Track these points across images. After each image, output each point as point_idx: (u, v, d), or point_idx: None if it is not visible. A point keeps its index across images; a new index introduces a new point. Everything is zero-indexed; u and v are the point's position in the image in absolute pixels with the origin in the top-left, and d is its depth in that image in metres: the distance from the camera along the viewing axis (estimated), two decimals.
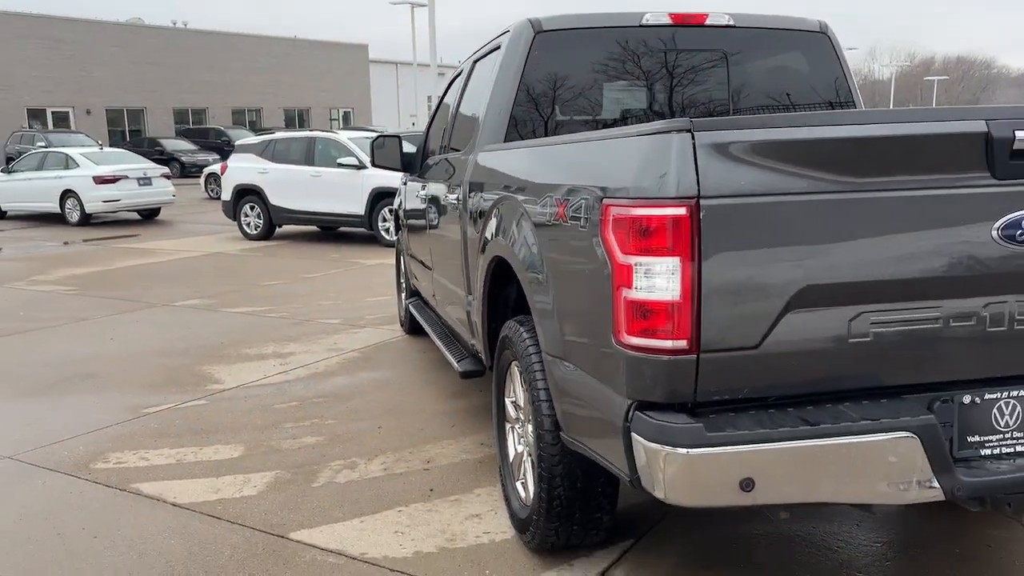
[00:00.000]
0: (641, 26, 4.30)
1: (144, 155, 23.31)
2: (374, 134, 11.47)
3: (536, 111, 4.17)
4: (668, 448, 2.21)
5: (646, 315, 2.26)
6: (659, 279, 2.23)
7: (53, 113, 37.47)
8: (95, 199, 17.82)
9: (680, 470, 2.22)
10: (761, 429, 2.23)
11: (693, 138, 2.19)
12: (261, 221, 14.73)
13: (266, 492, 4.15)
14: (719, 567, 3.30)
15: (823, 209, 2.25)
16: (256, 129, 39.20)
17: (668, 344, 2.25)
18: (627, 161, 2.37)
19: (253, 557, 3.49)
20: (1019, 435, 2.50)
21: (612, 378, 2.44)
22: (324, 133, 14.93)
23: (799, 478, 2.26)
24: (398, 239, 7.49)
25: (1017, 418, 2.50)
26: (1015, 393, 2.50)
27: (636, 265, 2.26)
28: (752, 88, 4.50)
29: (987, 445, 2.49)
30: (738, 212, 2.21)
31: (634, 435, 2.31)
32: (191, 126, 40.49)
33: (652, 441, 2.24)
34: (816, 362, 2.33)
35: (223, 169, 15.69)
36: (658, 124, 2.27)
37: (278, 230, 15.02)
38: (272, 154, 14.48)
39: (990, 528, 3.54)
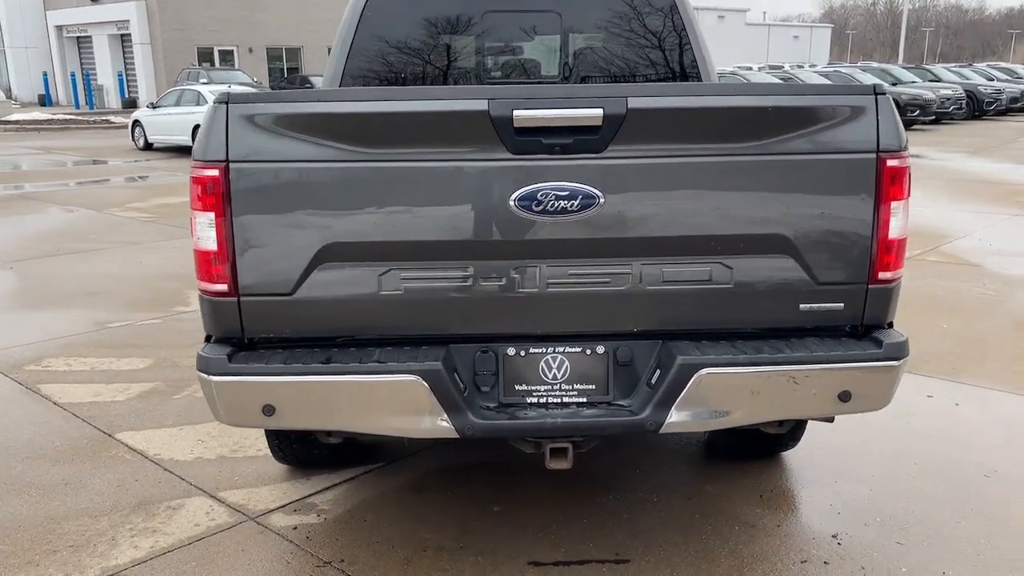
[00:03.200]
0: None
1: None
2: None
3: (368, 66, 4.51)
4: (203, 374, 2.63)
5: (202, 262, 2.66)
6: (199, 230, 2.62)
7: (219, 52, 40.26)
8: None
9: (212, 393, 2.63)
10: (281, 364, 2.60)
11: (227, 110, 2.55)
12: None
13: (133, 399, 4.84)
14: (432, 492, 3.68)
15: (342, 175, 2.55)
16: None
17: (214, 287, 2.65)
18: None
19: (74, 448, 4.19)
20: (567, 387, 2.73)
21: None
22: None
23: (314, 408, 2.62)
24: None
25: (565, 372, 2.73)
26: (561, 349, 2.73)
27: (198, 217, 2.65)
28: (590, 56, 4.60)
29: (534, 394, 2.74)
30: (263, 175, 2.56)
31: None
32: None
33: (198, 369, 2.66)
34: (350, 310, 2.66)
35: None
36: (218, 95, 2.63)
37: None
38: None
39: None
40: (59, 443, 4.25)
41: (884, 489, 3.69)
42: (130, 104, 38.18)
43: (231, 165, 2.55)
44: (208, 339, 2.76)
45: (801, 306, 2.69)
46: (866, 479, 3.77)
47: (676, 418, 2.61)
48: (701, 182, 2.58)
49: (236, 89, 2.86)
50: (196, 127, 19.38)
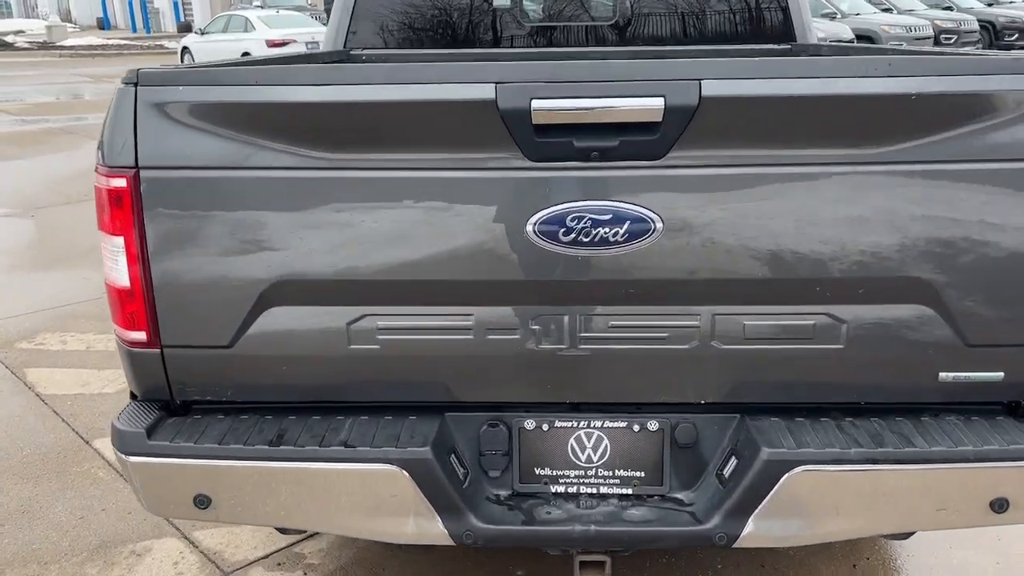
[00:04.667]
0: None
1: None
2: None
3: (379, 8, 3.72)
4: (118, 453, 1.97)
5: (113, 301, 1.98)
6: (107, 259, 1.93)
7: None
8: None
9: (130, 476, 1.98)
10: (215, 443, 1.92)
11: (136, 94, 1.82)
12: None
13: (122, 392, 4.25)
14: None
15: (296, 189, 1.83)
16: None
17: (130, 335, 1.97)
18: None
19: (43, 459, 3.64)
20: (606, 474, 2.01)
21: None
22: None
23: (260, 502, 1.94)
24: None
25: (603, 453, 2.00)
26: (598, 423, 2.00)
27: (104, 242, 1.96)
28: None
29: (561, 481, 2.02)
30: (188, 186, 1.84)
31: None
32: None
33: (112, 443, 2.00)
34: (310, 369, 1.96)
35: None
36: (126, 73, 1.90)
37: None
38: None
39: None
40: (28, 451, 3.70)
41: (1016, 560, 2.91)
42: (185, 28, 37.55)
43: (143, 173, 1.84)
44: (133, 397, 2.10)
45: (941, 375, 1.90)
46: (989, 545, 2.99)
47: (756, 530, 1.88)
48: (804, 202, 1.79)
49: (151, 70, 1.81)
50: (244, 54, 18.83)
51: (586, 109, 1.71)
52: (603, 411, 2.00)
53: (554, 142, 1.75)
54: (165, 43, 30.54)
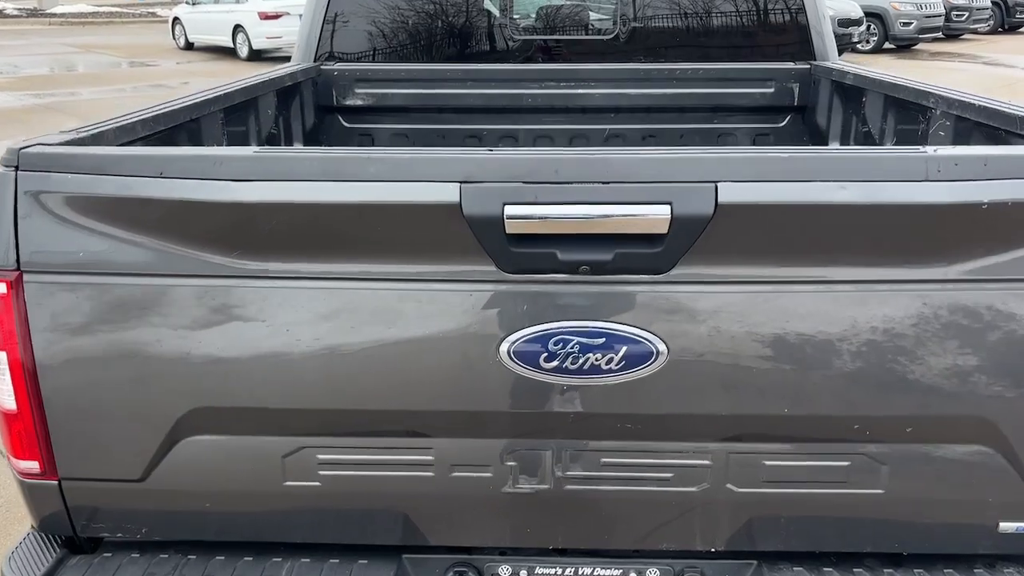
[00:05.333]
0: None
1: None
2: None
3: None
4: None
5: (3, 425, 1.63)
6: None
7: None
8: (260, 35, 18.08)
9: None
10: None
11: (16, 180, 1.47)
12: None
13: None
14: None
15: (216, 299, 1.47)
16: None
17: (23, 464, 1.63)
18: None
19: None
20: None
21: None
22: None
23: None
24: None
25: None
26: (587, 571, 1.66)
27: None
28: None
29: None
30: (82, 295, 1.49)
31: None
32: None
33: None
34: (239, 504, 1.63)
35: None
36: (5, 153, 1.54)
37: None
38: None
39: None
40: None
41: None
42: None
43: (26, 276, 1.48)
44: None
45: (1002, 524, 1.56)
46: None
47: None
48: (839, 326, 1.44)
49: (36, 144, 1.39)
50: (236, 27, 18.28)
51: (573, 219, 1.36)
52: (594, 555, 1.67)
53: (534, 253, 1.40)
54: (158, 11, 29.83)
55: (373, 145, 3.33)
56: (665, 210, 1.34)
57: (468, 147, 1.44)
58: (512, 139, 3.31)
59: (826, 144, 3.05)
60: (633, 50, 3.29)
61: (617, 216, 1.35)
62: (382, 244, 1.42)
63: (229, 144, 2.42)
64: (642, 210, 1.35)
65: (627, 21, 3.30)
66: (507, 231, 1.36)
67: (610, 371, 1.45)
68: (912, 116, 2.44)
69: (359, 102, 3.27)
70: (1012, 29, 22.83)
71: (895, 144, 2.58)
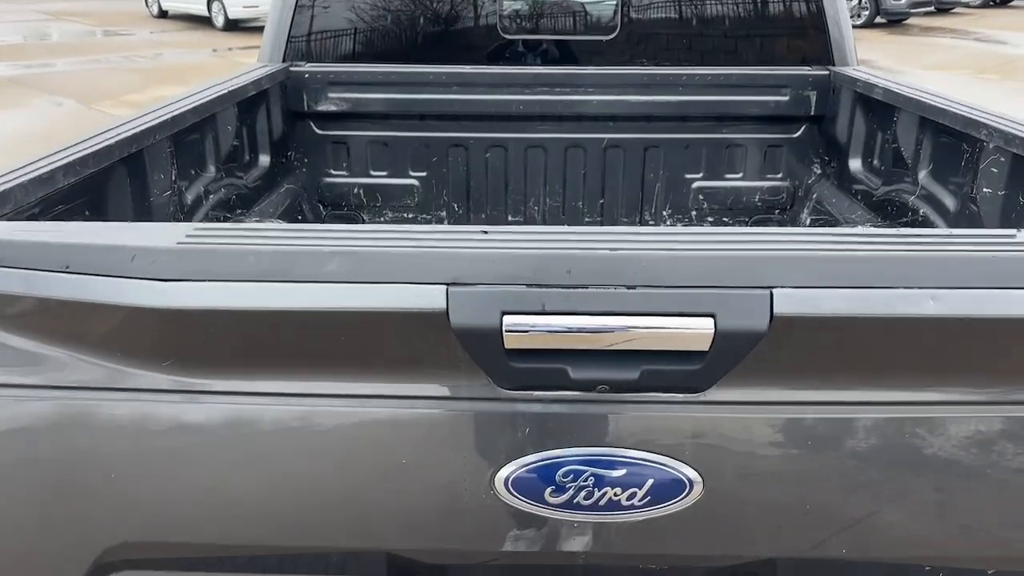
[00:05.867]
0: None
1: None
2: None
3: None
4: None
5: None
6: None
7: None
8: (236, 3, 17.53)
9: None
10: None
11: None
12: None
13: None
14: None
15: (145, 422, 1.19)
16: None
17: None
18: None
19: None
20: None
21: None
22: None
23: None
24: None
25: None
26: None
27: None
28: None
29: None
30: None
31: None
32: None
33: None
34: None
35: None
36: None
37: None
38: None
39: None
40: None
41: None
42: None
43: None
44: None
45: None
46: None
47: None
48: (919, 456, 1.16)
49: None
50: (213, 1, 17.70)
51: (590, 331, 1.07)
52: None
53: (539, 369, 1.11)
54: None
55: (348, 155, 3.02)
56: (707, 323, 1.05)
57: (458, 235, 1.13)
58: (501, 148, 3.01)
59: (845, 158, 2.77)
60: (635, 53, 2.99)
61: (646, 329, 1.07)
62: (347, 359, 1.13)
63: (179, 175, 2.10)
64: (678, 323, 1.06)
65: (629, 21, 3.00)
66: (506, 345, 1.07)
67: (632, 507, 1.17)
68: (955, 145, 2.16)
69: (332, 107, 2.95)
70: (1003, 3, 22.61)
71: (930, 172, 2.31)
